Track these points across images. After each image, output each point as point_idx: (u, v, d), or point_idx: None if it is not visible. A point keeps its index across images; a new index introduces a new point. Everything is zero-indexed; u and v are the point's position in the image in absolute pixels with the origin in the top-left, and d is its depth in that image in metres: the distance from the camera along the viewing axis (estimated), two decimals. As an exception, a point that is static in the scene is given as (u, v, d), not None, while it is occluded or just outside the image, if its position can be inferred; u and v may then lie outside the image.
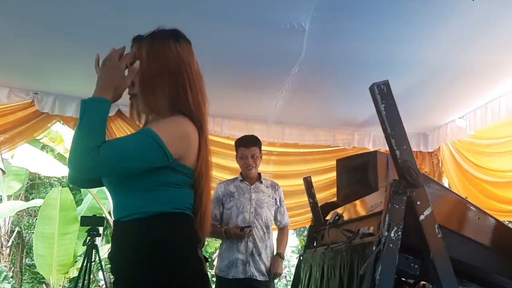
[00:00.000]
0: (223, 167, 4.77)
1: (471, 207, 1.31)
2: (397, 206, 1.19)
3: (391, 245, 1.17)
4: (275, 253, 3.59)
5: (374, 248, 1.20)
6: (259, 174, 3.66)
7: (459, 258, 1.25)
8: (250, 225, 3.43)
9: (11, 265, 9.31)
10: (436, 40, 2.86)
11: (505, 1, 2.38)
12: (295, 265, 2.72)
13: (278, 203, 3.65)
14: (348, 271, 1.44)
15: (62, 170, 7.16)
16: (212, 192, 4.38)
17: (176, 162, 1.42)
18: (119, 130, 4.37)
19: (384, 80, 1.23)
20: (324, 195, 5.03)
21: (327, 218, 2.30)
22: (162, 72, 1.48)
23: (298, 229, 9.46)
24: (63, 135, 5.99)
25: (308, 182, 2.52)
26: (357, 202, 1.89)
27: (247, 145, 3.55)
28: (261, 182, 3.63)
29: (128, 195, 1.46)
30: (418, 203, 1.19)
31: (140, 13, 2.65)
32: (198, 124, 1.48)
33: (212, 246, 8.84)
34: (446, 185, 4.77)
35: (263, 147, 4.80)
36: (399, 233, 1.17)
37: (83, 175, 1.53)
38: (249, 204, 3.51)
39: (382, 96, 1.22)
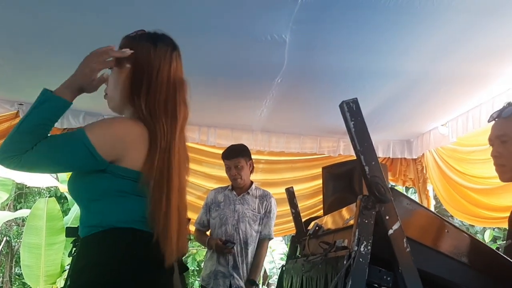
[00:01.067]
0: (210, 176, 4.80)
1: (440, 221, 1.34)
2: (366, 221, 1.21)
3: (361, 259, 1.19)
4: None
5: (345, 262, 1.22)
6: (251, 183, 3.66)
7: (427, 270, 1.28)
8: (235, 242, 3.41)
9: (0, 274, 9.23)
10: (417, 50, 2.90)
11: (482, 13, 2.42)
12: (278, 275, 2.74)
13: (263, 214, 3.61)
14: (323, 283, 1.46)
15: (49, 181, 7.13)
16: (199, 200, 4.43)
17: (112, 164, 1.35)
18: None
19: (353, 98, 1.26)
20: (311, 202, 5.07)
21: (309, 228, 2.32)
22: (126, 74, 1.47)
23: (289, 235, 9.49)
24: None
25: (290, 193, 2.53)
26: (336, 213, 1.92)
27: (228, 156, 3.57)
28: (248, 193, 3.61)
29: (80, 206, 1.44)
30: (387, 217, 1.22)
31: (124, 24, 2.66)
32: (150, 128, 1.40)
33: (201, 254, 8.84)
34: (431, 191, 4.84)
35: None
36: (369, 247, 1.19)
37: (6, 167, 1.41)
38: (232, 216, 3.52)
39: (351, 113, 1.25)
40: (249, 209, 3.58)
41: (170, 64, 1.50)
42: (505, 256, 1.33)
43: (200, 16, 2.57)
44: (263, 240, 3.64)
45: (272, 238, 3.76)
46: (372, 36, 2.72)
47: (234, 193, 3.61)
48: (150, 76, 1.45)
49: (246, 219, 3.55)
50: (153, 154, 1.38)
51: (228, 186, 3.69)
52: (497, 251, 1.35)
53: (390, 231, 1.21)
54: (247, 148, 3.71)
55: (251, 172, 3.68)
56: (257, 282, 3.58)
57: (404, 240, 1.22)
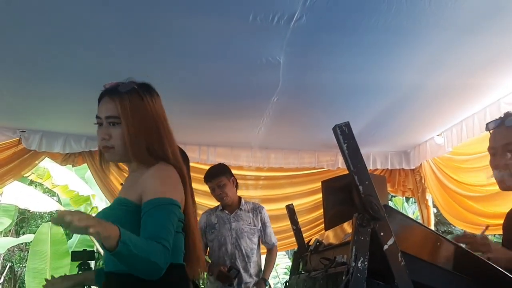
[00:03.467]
0: (209, 195, 4.84)
1: (432, 234, 1.41)
2: (362, 238, 1.28)
3: (358, 274, 1.25)
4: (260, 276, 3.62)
5: (344, 277, 1.29)
6: (240, 199, 3.70)
7: (422, 281, 1.34)
8: (239, 269, 3.47)
9: (4, 302, 9.22)
10: (407, 66, 2.98)
11: (465, 30, 2.52)
12: (283, 291, 2.79)
13: (260, 226, 3.67)
14: (325, 299, 1.52)
15: (51, 205, 7.18)
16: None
17: None
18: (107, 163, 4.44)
19: (345, 121, 1.33)
20: (312, 216, 5.13)
21: (310, 244, 2.38)
22: (142, 126, 1.58)
23: (292, 250, 9.50)
24: (50, 171, 6.04)
25: (290, 210, 2.60)
26: (335, 229, 1.98)
27: (209, 178, 3.62)
28: (241, 209, 3.65)
29: None
30: (382, 234, 1.28)
31: (120, 52, 2.76)
32: (178, 170, 1.58)
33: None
34: (430, 200, 4.90)
35: (251, 173, 4.92)
36: (365, 263, 1.26)
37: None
38: (229, 234, 3.55)
39: (344, 136, 1.32)
40: (245, 224, 3.62)
41: (164, 110, 1.68)
42: (495, 266, 1.39)
43: (199, 43, 2.66)
44: (270, 250, 3.77)
45: (276, 243, 3.84)
46: (363, 55, 2.81)
47: (226, 212, 3.64)
48: (163, 125, 1.63)
49: (245, 234, 3.60)
50: (187, 195, 1.59)
51: (218, 206, 3.71)
52: (488, 261, 1.41)
53: (385, 247, 1.28)
54: (226, 166, 3.75)
55: (236, 188, 3.70)
56: (268, 282, 3.70)
57: (399, 254, 1.28)
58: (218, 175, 3.57)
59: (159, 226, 1.42)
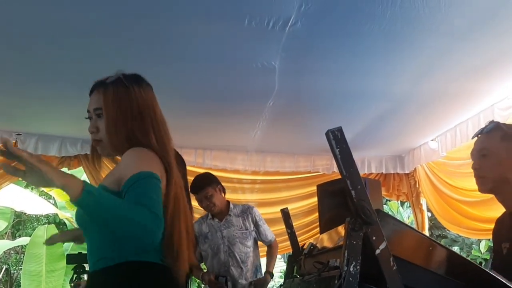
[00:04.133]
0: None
1: (424, 239, 1.41)
2: (354, 242, 1.28)
3: (350, 279, 1.26)
4: (254, 278, 3.59)
5: (336, 281, 1.30)
6: (228, 204, 3.65)
7: (414, 286, 1.35)
8: (225, 276, 3.43)
9: (-1, 304, 9.19)
10: (402, 71, 3.01)
11: (458, 36, 2.54)
12: (277, 295, 2.80)
13: (253, 227, 3.63)
14: (318, 302, 1.53)
15: (48, 208, 7.16)
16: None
17: None
18: (103, 166, 4.44)
19: (338, 126, 1.35)
20: (308, 220, 5.14)
21: (304, 247, 2.39)
22: (127, 116, 1.53)
23: (288, 253, 9.51)
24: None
25: (285, 214, 2.60)
26: (329, 232, 1.98)
27: (194, 190, 3.48)
28: (230, 215, 3.61)
29: (95, 238, 1.47)
30: (374, 238, 1.29)
31: (115, 55, 2.77)
32: (164, 163, 1.51)
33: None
34: (424, 205, 4.92)
35: (247, 176, 4.92)
36: (358, 267, 1.27)
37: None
38: (222, 242, 3.52)
39: (337, 141, 1.33)
40: (236, 230, 3.58)
41: (157, 102, 1.64)
42: (486, 270, 1.40)
43: (195, 46, 2.68)
44: (270, 246, 3.76)
45: (274, 238, 3.80)
46: (358, 61, 2.83)
47: (216, 220, 3.59)
48: (149, 115, 1.57)
49: (237, 240, 3.56)
50: (169, 186, 1.49)
51: (208, 214, 3.65)
52: (480, 265, 1.43)
53: (377, 251, 1.29)
54: (211, 174, 3.66)
55: (224, 193, 3.63)
56: (273, 273, 3.69)
57: (391, 259, 1.29)
58: (204, 187, 3.47)
59: (141, 195, 1.32)
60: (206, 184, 3.49)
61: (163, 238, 1.40)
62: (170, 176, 1.51)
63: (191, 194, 3.33)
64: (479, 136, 1.93)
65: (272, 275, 3.66)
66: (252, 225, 3.65)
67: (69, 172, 6.50)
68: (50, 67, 2.93)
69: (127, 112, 1.54)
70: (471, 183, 3.78)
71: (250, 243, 3.61)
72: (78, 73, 2.99)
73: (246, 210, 3.69)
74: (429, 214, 5.46)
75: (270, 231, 3.77)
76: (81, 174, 6.62)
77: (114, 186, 1.43)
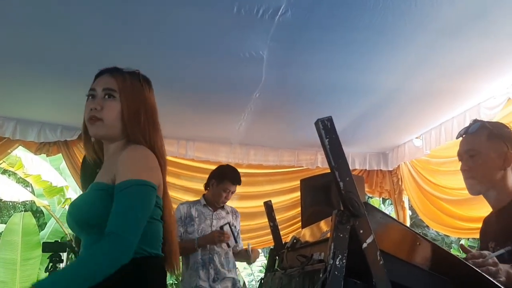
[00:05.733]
0: (188, 189, 4.80)
1: (412, 234, 1.38)
2: (341, 235, 1.25)
3: (336, 272, 1.22)
4: (237, 273, 3.63)
5: (321, 275, 1.26)
6: None
7: (401, 282, 1.32)
8: (225, 224, 3.50)
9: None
10: (390, 67, 2.99)
11: (448, 33, 2.53)
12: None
13: (236, 230, 3.69)
14: (301, 296, 1.50)
15: (25, 195, 7.02)
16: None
17: None
18: (82, 154, 4.34)
19: (328, 116, 1.30)
20: (290, 214, 5.11)
21: (287, 241, 2.35)
22: (141, 109, 1.57)
23: (268, 247, 9.47)
24: (22, 160, 5.89)
25: (268, 206, 2.56)
26: (313, 226, 1.95)
27: (235, 182, 3.58)
28: (223, 208, 3.66)
29: (92, 234, 1.45)
30: (361, 231, 1.26)
31: (96, 40, 2.69)
32: (159, 159, 1.54)
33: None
34: (406, 202, 4.94)
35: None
36: (344, 260, 1.23)
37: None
38: (210, 231, 3.51)
39: (326, 131, 1.29)
40: (225, 222, 3.61)
41: (156, 105, 1.68)
42: (473, 266, 1.38)
43: (181, 34, 2.61)
44: (241, 250, 3.76)
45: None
46: (346, 54, 2.80)
47: (210, 208, 3.60)
48: (156, 115, 1.63)
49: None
50: (165, 182, 1.55)
51: (199, 200, 3.65)
52: (466, 261, 1.40)
53: (364, 245, 1.25)
54: None
55: None
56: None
57: (378, 253, 1.26)
58: (240, 184, 3.61)
59: (120, 216, 1.34)
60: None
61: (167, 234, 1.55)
62: (163, 169, 1.55)
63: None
64: (464, 136, 1.92)
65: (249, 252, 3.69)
66: (237, 227, 3.74)
67: (48, 158, 6.40)
68: (31, 51, 2.84)
69: (140, 105, 1.58)
70: (453, 181, 3.85)
71: (232, 239, 3.62)
72: (61, 59, 2.91)
73: (235, 212, 3.77)
74: (410, 212, 5.48)
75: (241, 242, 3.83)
76: (60, 161, 6.52)
77: (109, 181, 1.45)
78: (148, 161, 1.49)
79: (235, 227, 3.67)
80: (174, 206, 4.68)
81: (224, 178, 3.57)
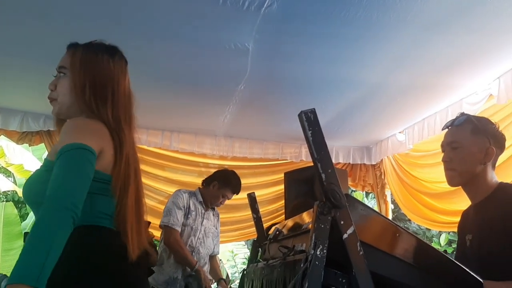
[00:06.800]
0: (172, 181, 4.80)
1: (392, 226, 1.41)
2: (322, 226, 1.27)
3: (317, 262, 1.24)
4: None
5: (302, 265, 1.27)
6: None
7: (380, 272, 1.35)
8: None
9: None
10: (374, 61, 3.01)
11: (433, 28, 2.55)
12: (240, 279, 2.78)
13: (217, 233, 3.74)
14: (282, 286, 1.51)
15: (6, 185, 6.94)
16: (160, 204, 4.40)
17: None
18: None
19: (311, 108, 1.32)
20: (273, 207, 5.13)
21: (270, 233, 2.37)
22: (87, 81, 1.51)
23: (251, 240, 9.50)
24: (4, 149, 5.82)
25: (252, 198, 2.58)
26: (295, 218, 1.97)
27: (236, 192, 3.66)
28: (213, 209, 3.69)
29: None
30: (342, 222, 1.28)
31: (80, 29, 2.66)
32: (114, 137, 1.48)
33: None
34: (389, 196, 4.99)
35: (214, 161, 4.91)
36: (324, 251, 1.25)
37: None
38: (199, 229, 3.54)
39: (309, 123, 1.30)
40: (211, 225, 3.66)
41: (125, 77, 1.61)
42: (450, 258, 1.42)
43: (165, 24, 2.60)
44: (214, 257, 3.80)
45: (218, 253, 3.92)
46: (331, 48, 2.81)
47: (203, 207, 3.61)
48: (112, 87, 1.55)
49: (210, 234, 3.64)
50: (119, 160, 1.46)
51: (198, 195, 3.62)
52: (445, 253, 1.43)
53: (345, 236, 1.28)
54: None
55: None
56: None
57: (358, 244, 1.28)
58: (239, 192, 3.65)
59: (53, 182, 1.28)
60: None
61: (116, 210, 1.44)
62: (120, 151, 1.47)
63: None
64: (449, 128, 1.95)
65: (225, 281, 3.81)
66: (218, 229, 3.77)
67: (31, 148, 6.33)
68: (12, 38, 2.79)
69: (88, 78, 1.52)
70: (434, 174, 3.90)
71: (214, 242, 3.70)
72: (44, 46, 2.87)
73: (217, 214, 3.79)
74: (392, 206, 5.54)
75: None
76: (42, 151, 6.45)
77: (54, 158, 1.37)
78: (86, 126, 1.44)
79: (218, 230, 3.74)
80: (160, 197, 4.71)
81: (228, 185, 3.60)
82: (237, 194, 3.67)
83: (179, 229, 3.46)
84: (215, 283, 3.73)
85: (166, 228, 3.44)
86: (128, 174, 1.49)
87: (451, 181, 1.91)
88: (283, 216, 4.80)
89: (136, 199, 1.53)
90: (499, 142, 1.87)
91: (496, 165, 1.90)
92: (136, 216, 1.51)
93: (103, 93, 1.52)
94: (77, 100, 1.51)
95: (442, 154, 1.95)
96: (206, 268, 3.60)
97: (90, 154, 1.35)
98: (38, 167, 1.55)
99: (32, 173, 1.68)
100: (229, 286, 7.93)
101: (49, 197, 1.25)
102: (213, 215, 3.71)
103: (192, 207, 3.54)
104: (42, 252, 1.17)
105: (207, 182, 3.66)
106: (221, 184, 3.58)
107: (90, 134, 1.40)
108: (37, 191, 1.41)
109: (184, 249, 3.41)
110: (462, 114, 1.95)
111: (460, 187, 1.93)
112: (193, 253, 3.48)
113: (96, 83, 1.52)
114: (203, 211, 3.58)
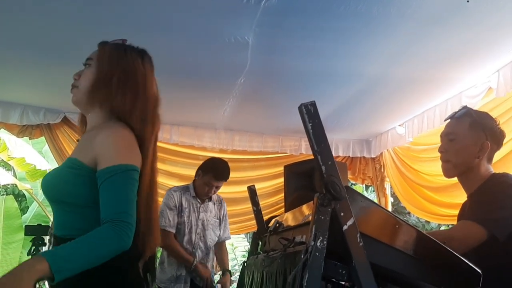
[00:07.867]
0: (172, 174, 4.81)
1: (392, 217, 1.42)
2: (322, 218, 1.28)
3: (317, 253, 1.25)
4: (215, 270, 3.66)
5: (302, 256, 1.29)
6: None
7: (379, 263, 1.36)
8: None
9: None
10: (374, 55, 3.01)
11: (433, 22, 2.55)
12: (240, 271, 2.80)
13: (222, 218, 3.69)
14: (282, 278, 1.53)
15: (6, 178, 6.94)
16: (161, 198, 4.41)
17: None
18: (66, 137, 4.32)
19: (311, 100, 1.32)
20: (273, 200, 5.15)
21: (270, 225, 2.38)
22: (115, 78, 1.54)
23: (251, 232, 9.51)
24: (6, 142, 5.82)
25: (252, 191, 2.59)
26: (295, 210, 1.98)
27: (219, 178, 3.47)
28: (210, 199, 3.61)
29: (68, 211, 1.46)
30: (342, 214, 1.29)
31: (80, 22, 2.66)
32: (139, 138, 1.52)
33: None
34: (388, 189, 5.01)
35: (214, 154, 4.90)
36: (325, 242, 1.26)
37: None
38: (196, 224, 3.51)
39: (309, 116, 1.31)
40: (211, 216, 3.60)
41: (153, 79, 1.64)
42: (448, 248, 1.43)
43: (165, 17, 2.60)
44: (222, 242, 3.77)
45: (230, 238, 3.87)
46: (332, 41, 2.81)
47: (198, 200, 3.56)
48: (141, 88, 1.57)
49: (210, 226, 3.59)
50: (144, 162, 1.51)
51: (189, 190, 3.57)
52: (443, 244, 1.45)
53: (345, 227, 1.29)
54: None
55: None
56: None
57: (358, 235, 1.29)
58: (226, 179, 3.51)
59: (117, 201, 1.36)
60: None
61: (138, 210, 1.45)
62: (145, 161, 1.52)
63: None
64: (450, 120, 1.97)
65: (230, 273, 3.71)
66: (222, 216, 3.70)
67: (31, 141, 6.33)
68: (14, 30, 2.79)
69: (116, 74, 1.54)
70: (434, 167, 3.91)
71: (218, 232, 3.66)
72: (44, 39, 2.87)
73: (221, 200, 3.73)
74: (392, 200, 5.55)
75: (229, 230, 3.80)
76: (43, 144, 6.45)
77: (88, 162, 1.43)
78: (128, 142, 1.48)
79: (219, 218, 3.67)
80: (161, 191, 4.70)
81: (208, 171, 3.48)
82: (223, 180, 3.49)
83: (173, 230, 3.43)
84: (219, 273, 3.71)
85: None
86: (152, 185, 1.58)
87: (446, 173, 1.96)
88: (283, 209, 4.81)
89: (154, 210, 1.61)
90: (496, 137, 1.90)
91: (496, 159, 1.93)
92: (155, 227, 1.61)
93: (133, 93, 1.54)
94: (98, 91, 1.53)
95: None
96: (211, 258, 3.59)
97: (137, 174, 1.45)
98: (59, 165, 1.60)
99: (52, 169, 1.74)
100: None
101: (119, 219, 1.32)
102: (214, 203, 3.63)
103: (185, 205, 3.50)
104: (85, 257, 1.26)
105: (196, 173, 3.62)
106: (204, 171, 3.49)
107: (133, 152, 1.47)
108: (60, 190, 1.47)
109: (179, 250, 3.40)
110: (464, 107, 1.97)
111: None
112: (194, 249, 3.48)
113: (121, 81, 1.54)
114: (198, 205, 3.54)
